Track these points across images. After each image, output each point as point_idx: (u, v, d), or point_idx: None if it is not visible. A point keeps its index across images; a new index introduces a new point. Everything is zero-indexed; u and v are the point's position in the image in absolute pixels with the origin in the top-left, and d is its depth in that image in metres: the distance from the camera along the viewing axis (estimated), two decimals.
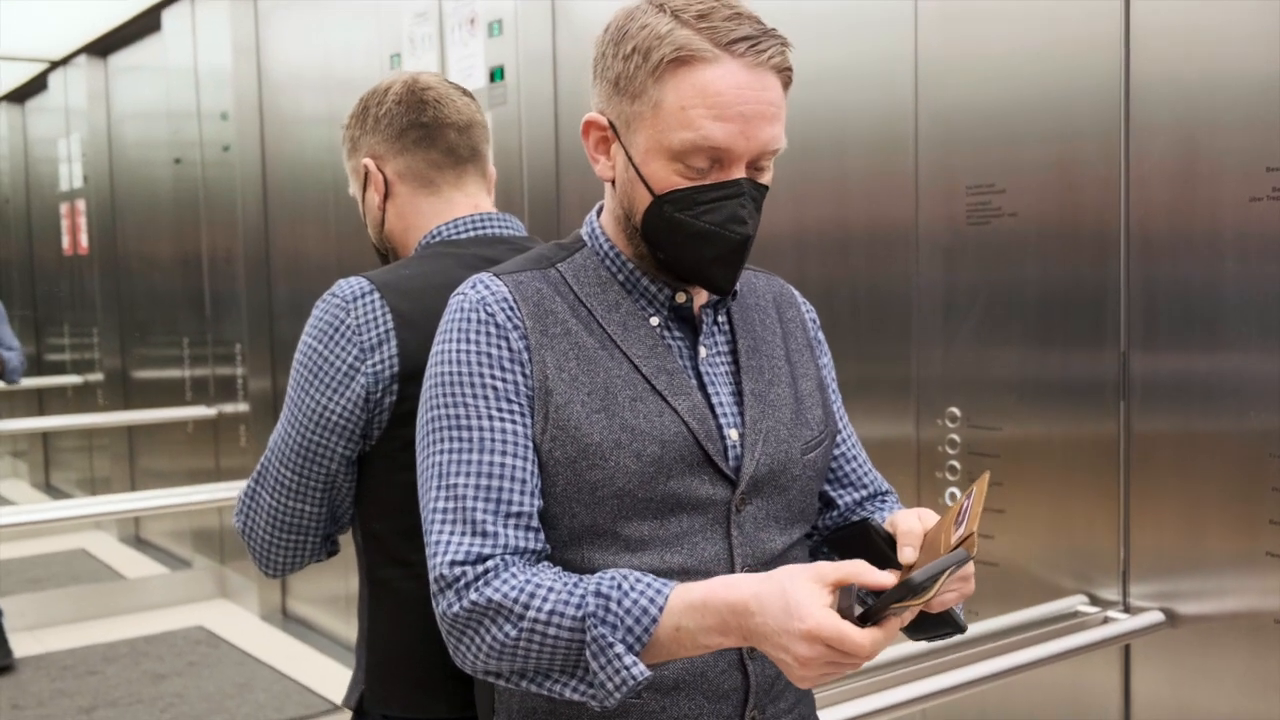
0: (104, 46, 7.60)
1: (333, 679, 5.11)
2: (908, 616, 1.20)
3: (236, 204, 5.90)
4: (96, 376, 8.15)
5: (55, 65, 8.27)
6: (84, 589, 6.49)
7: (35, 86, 8.94)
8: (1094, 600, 2.49)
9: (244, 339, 5.96)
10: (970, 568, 1.31)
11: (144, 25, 6.88)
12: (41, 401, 9.17)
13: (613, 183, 1.41)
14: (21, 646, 5.56)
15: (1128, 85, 2.41)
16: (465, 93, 1.83)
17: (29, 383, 8.29)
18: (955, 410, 2.74)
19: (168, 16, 6.45)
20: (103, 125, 7.80)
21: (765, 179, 1.37)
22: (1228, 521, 2.28)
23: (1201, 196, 2.29)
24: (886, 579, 1.17)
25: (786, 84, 1.35)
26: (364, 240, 5.31)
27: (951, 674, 2.21)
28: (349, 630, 5.46)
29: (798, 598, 1.15)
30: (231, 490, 4.50)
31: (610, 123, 1.38)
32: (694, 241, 1.34)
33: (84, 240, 8.17)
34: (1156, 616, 2.37)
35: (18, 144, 9.70)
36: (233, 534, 6.28)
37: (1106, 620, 2.42)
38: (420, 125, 1.76)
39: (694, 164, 1.32)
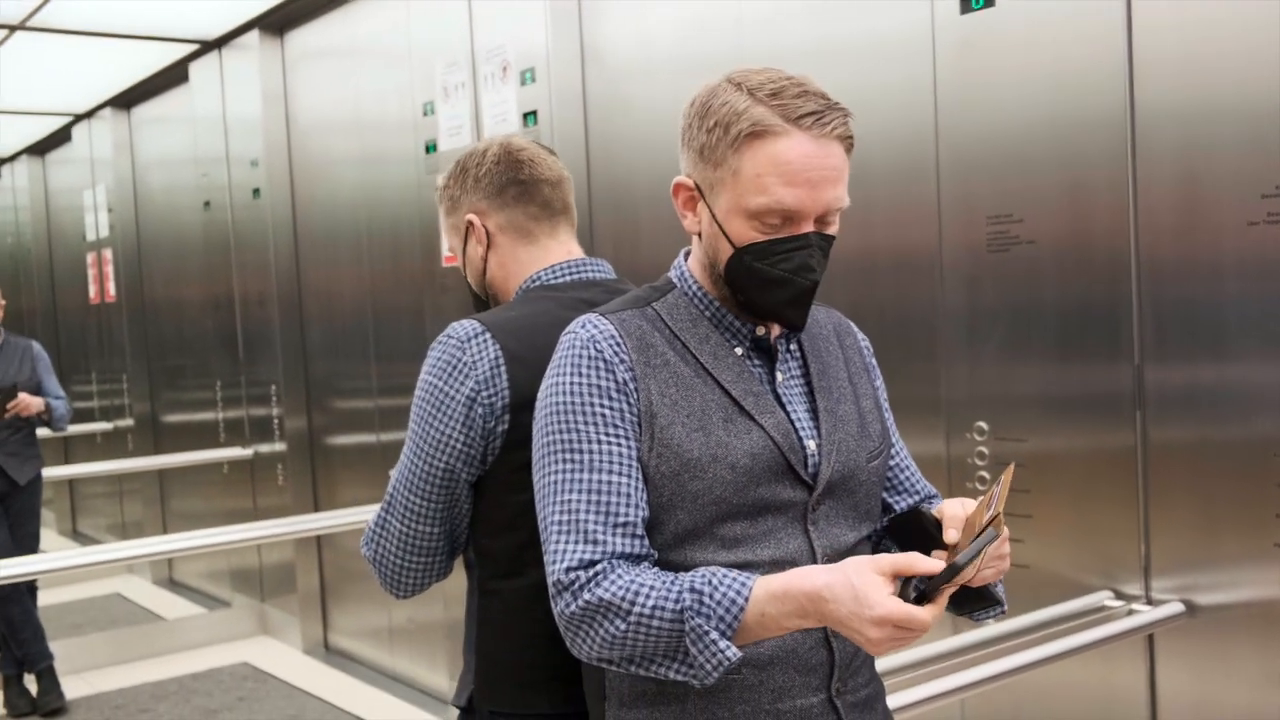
0: (128, 99, 7.84)
1: (381, 708, 5.28)
2: (950, 590, 1.41)
3: (268, 246, 6.11)
4: (126, 422, 8.33)
5: (79, 118, 8.51)
6: (125, 632, 6.61)
7: (57, 139, 9.17)
8: (1119, 595, 2.68)
9: (279, 379, 6.15)
10: (1006, 548, 1.53)
11: (170, 78, 7.11)
12: (67, 449, 9.32)
13: (699, 235, 1.63)
14: (71, 689, 5.68)
15: (1133, 114, 2.61)
16: (551, 151, 2.04)
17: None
18: (983, 425, 2.94)
19: (195, 68, 6.68)
20: (128, 175, 8.01)
21: (832, 230, 1.59)
22: (1239, 518, 2.47)
23: (1204, 221, 2.49)
24: (933, 565, 1.39)
25: (848, 149, 1.57)
26: (398, 278, 5.50)
27: (989, 665, 2.40)
28: (392, 661, 5.63)
29: (865, 590, 1.38)
30: (277, 527, 4.66)
31: (696, 185, 1.61)
32: (770, 286, 1.56)
33: (111, 288, 8.36)
34: (1177, 608, 2.56)
35: (39, 195, 9.91)
36: (273, 571, 6.46)
37: (1131, 612, 2.61)
38: (519, 182, 1.97)
39: (769, 221, 1.54)
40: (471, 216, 1.98)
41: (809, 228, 1.55)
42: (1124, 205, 2.62)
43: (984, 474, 2.94)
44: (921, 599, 1.38)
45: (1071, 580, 2.76)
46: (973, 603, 1.61)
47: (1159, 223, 2.57)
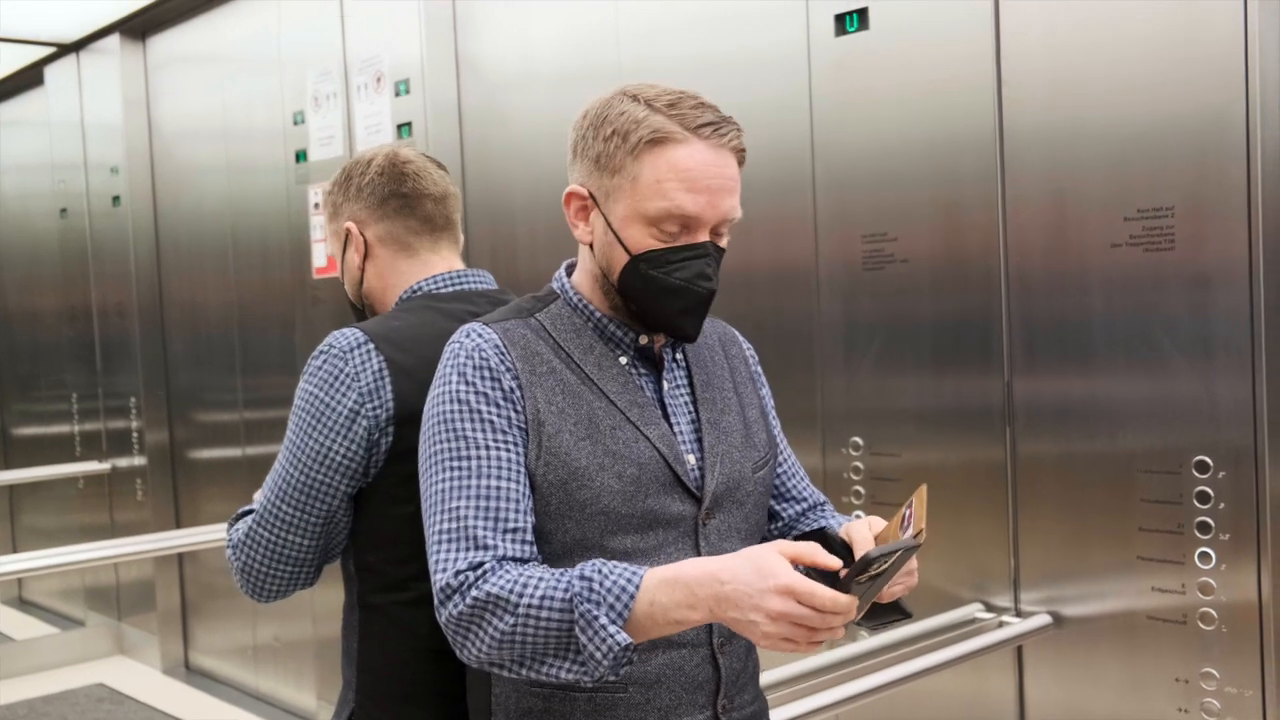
0: None
1: None
2: (867, 597, 1.39)
3: (129, 256, 5.93)
4: None
5: None
6: None
7: None
8: (989, 607, 2.74)
9: (139, 392, 5.97)
10: (914, 564, 1.55)
11: (24, 81, 6.86)
12: None
13: (590, 245, 1.62)
14: None
15: (1001, 135, 2.68)
16: (440, 166, 2.01)
17: None
18: (858, 439, 2.98)
19: (51, 72, 6.45)
20: None
21: (724, 243, 1.60)
22: (1104, 531, 2.54)
23: (1071, 241, 2.57)
24: (835, 561, 1.37)
25: (741, 162, 1.59)
26: (267, 289, 5.36)
27: (865, 679, 2.42)
28: (256, 680, 5.49)
29: (769, 563, 1.35)
30: (137, 544, 4.50)
31: (590, 194, 1.59)
32: (665, 295, 1.55)
33: None
34: (1045, 619, 2.63)
35: None
36: (131, 588, 6.25)
37: (1001, 624, 2.67)
38: (400, 195, 1.94)
39: (666, 229, 1.54)
40: (350, 225, 1.96)
41: (705, 237, 1.55)
42: (994, 225, 2.69)
43: (859, 488, 2.98)
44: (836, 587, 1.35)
45: (944, 593, 2.81)
46: (882, 615, 1.62)
47: (1028, 242, 2.64)
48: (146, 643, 6.15)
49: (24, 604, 7.56)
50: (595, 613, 1.39)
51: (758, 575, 1.34)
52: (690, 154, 1.52)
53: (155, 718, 5.34)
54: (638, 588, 1.41)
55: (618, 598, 1.40)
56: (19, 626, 7.04)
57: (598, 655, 1.39)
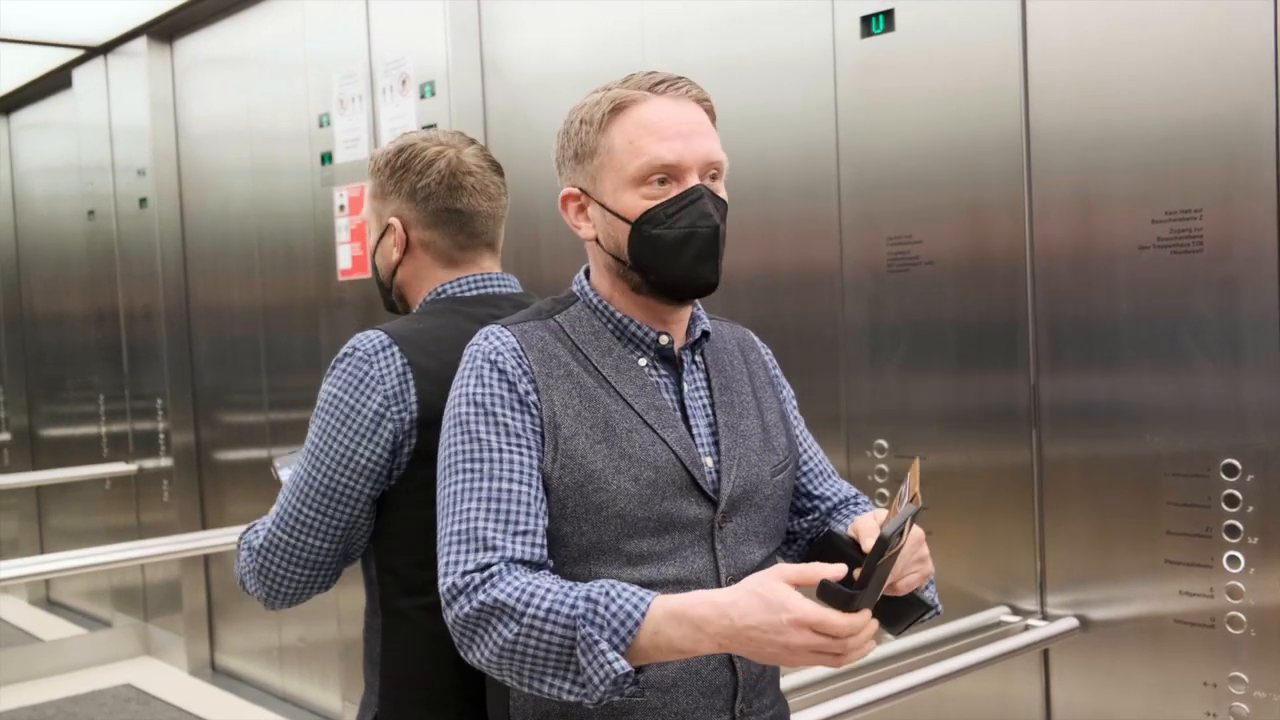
0: (7, 105, 7.59)
1: None
2: (875, 584, 1.35)
3: (156, 257, 5.96)
4: (2, 436, 8.04)
5: None
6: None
7: None
8: (1015, 610, 2.73)
9: (165, 393, 6.00)
10: (925, 550, 1.53)
11: (53, 83, 6.92)
12: None
13: (596, 240, 1.62)
14: None
15: (1028, 136, 2.66)
16: (498, 169, 1.97)
17: None
18: (882, 441, 2.97)
19: (79, 74, 6.50)
20: (6, 182, 7.77)
21: (722, 193, 1.61)
22: (1131, 534, 2.52)
23: (1098, 243, 2.55)
24: (835, 570, 1.35)
25: (710, 114, 1.62)
26: (291, 291, 5.35)
27: (889, 683, 2.41)
28: (282, 681, 5.51)
29: (778, 595, 1.34)
30: (163, 546, 4.52)
31: (581, 189, 1.62)
32: (674, 249, 1.56)
33: None
34: (1071, 623, 2.61)
35: None
36: (157, 589, 6.28)
37: (1027, 628, 2.65)
38: (454, 210, 1.90)
39: (654, 186, 1.56)
40: (395, 221, 1.92)
41: (695, 181, 1.56)
42: (1020, 226, 2.67)
43: (884, 490, 2.97)
44: (850, 602, 1.32)
45: (969, 595, 2.80)
46: (905, 614, 1.58)
47: (1054, 244, 2.62)
48: (173, 643, 6.18)
49: (51, 604, 7.61)
50: (597, 637, 1.39)
51: (769, 609, 1.33)
52: (652, 109, 1.57)
53: (182, 718, 5.36)
54: (644, 615, 1.39)
55: (622, 623, 1.39)
56: (47, 627, 7.08)
57: (595, 679, 1.39)
